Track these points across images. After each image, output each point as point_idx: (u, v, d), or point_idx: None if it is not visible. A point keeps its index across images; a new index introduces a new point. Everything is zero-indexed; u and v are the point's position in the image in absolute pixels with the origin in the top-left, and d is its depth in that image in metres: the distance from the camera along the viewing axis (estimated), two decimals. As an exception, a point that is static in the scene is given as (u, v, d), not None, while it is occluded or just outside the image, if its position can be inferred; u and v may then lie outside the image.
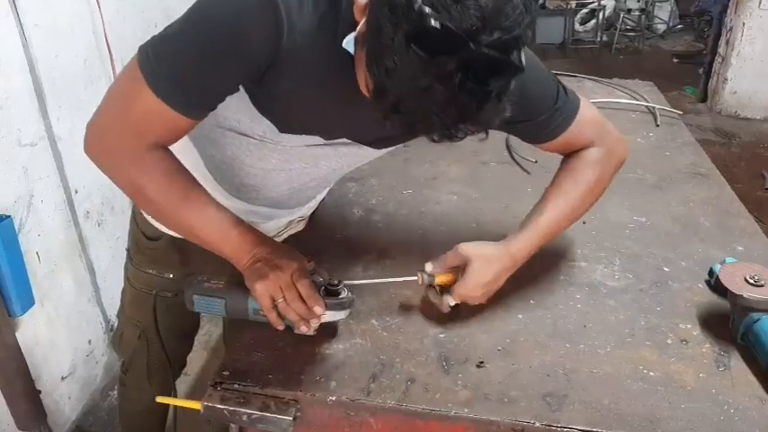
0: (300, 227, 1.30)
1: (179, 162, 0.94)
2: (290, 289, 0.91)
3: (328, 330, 1.00)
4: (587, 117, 1.09)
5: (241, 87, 0.90)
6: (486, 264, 1.00)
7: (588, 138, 1.10)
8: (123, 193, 0.96)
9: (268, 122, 0.95)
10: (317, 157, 1.04)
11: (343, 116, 0.95)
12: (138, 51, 0.85)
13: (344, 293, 0.96)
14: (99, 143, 0.91)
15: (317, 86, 0.87)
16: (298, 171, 1.06)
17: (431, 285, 1.03)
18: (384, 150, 1.10)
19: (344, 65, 0.80)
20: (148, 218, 1.21)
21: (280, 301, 0.91)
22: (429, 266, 1.02)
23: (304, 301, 0.91)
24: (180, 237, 1.16)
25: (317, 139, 1.00)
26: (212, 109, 0.89)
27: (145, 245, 1.26)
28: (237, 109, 0.94)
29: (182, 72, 0.83)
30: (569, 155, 1.13)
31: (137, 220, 1.27)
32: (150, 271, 1.27)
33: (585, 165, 1.10)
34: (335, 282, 0.96)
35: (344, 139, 1.02)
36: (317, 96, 0.89)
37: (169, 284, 1.27)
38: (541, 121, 1.03)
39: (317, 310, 0.91)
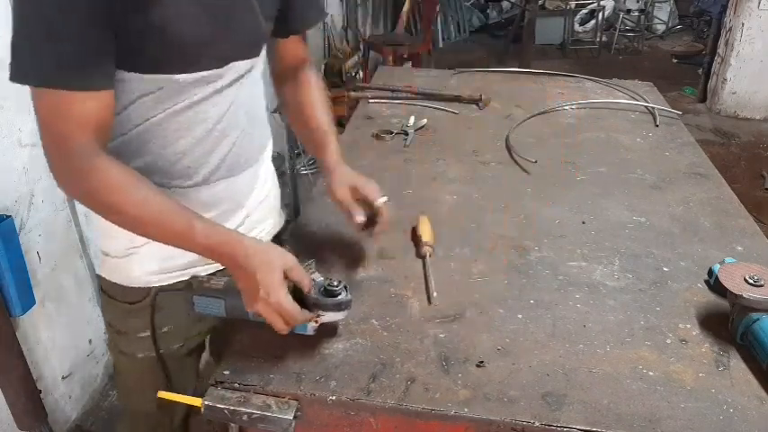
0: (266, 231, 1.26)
1: (130, 168, 0.92)
2: (268, 306, 0.90)
3: (328, 330, 1.00)
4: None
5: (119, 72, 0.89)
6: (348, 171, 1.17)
7: (307, 49, 1.25)
8: (103, 217, 0.95)
9: (163, 76, 0.93)
10: (219, 91, 1.01)
11: (213, 16, 0.93)
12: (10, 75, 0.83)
13: (343, 294, 0.96)
14: (55, 171, 0.89)
15: None
16: (213, 115, 1.02)
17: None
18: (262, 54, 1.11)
19: None
20: (118, 280, 1.11)
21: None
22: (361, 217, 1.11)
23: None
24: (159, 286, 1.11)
25: (212, 73, 0.98)
26: (103, 71, 0.86)
27: (127, 309, 1.14)
28: (130, 90, 0.93)
29: (48, 50, 0.81)
30: (294, 71, 1.23)
31: (109, 294, 1.14)
32: (144, 333, 1.14)
33: (318, 83, 1.25)
34: (335, 282, 0.95)
35: (232, 64, 1.01)
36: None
37: (174, 335, 1.17)
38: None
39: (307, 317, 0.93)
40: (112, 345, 1.22)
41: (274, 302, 0.89)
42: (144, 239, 1.04)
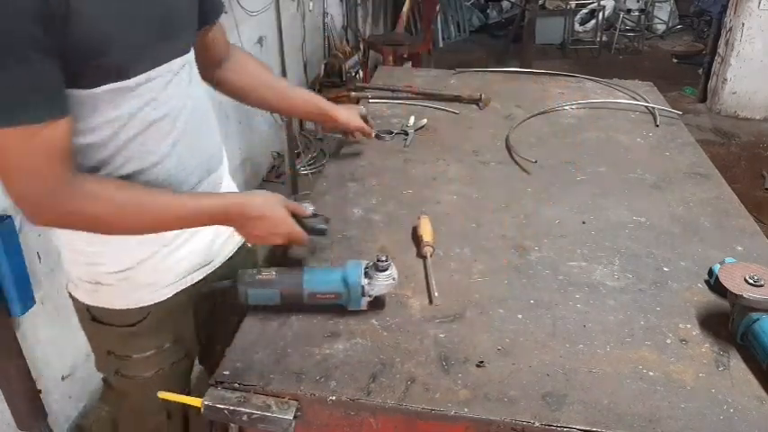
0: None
1: (103, 177, 0.95)
2: (286, 236, 1.07)
3: (328, 330, 1.00)
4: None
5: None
6: None
7: (225, 35, 1.26)
8: (90, 231, 0.97)
9: (110, 86, 0.89)
10: (168, 84, 0.99)
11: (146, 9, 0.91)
12: None
13: (391, 269, 1.03)
14: (33, 211, 0.89)
15: None
16: (173, 110, 1.01)
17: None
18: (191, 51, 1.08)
19: None
20: (116, 305, 1.09)
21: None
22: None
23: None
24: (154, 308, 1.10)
25: (158, 69, 0.96)
26: (58, 97, 0.83)
27: (128, 332, 1.11)
28: (93, 110, 0.91)
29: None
30: (224, 57, 1.26)
31: (104, 321, 1.11)
32: (149, 352, 1.13)
33: (255, 59, 1.35)
34: (384, 258, 1.02)
35: (173, 61, 0.99)
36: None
37: (176, 350, 1.17)
38: None
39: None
40: (109, 371, 1.19)
41: (288, 232, 1.06)
42: (137, 257, 1.05)
